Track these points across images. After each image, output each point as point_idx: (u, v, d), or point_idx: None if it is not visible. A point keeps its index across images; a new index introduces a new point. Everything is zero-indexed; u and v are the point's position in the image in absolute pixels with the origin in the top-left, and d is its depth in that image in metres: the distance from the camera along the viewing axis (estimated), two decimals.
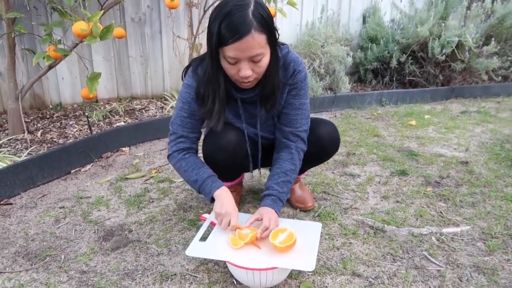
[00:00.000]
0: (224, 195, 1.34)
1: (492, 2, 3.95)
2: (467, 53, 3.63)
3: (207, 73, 1.30)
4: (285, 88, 1.42)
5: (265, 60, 1.23)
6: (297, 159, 1.45)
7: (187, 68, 1.42)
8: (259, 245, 1.26)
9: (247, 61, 1.19)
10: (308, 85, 1.48)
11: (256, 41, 1.15)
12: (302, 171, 1.70)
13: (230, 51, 1.16)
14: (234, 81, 1.31)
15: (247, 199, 1.79)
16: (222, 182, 1.40)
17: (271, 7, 2.80)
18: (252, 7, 1.15)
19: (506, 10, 3.77)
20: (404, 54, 3.78)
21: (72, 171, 2.11)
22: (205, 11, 3.03)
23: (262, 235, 1.25)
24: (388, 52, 3.86)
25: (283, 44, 1.39)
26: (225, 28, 1.14)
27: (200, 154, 1.51)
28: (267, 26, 1.18)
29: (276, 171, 1.43)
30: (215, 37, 1.16)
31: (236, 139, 1.45)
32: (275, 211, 1.33)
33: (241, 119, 1.47)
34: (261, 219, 1.30)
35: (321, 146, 1.55)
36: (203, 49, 3.22)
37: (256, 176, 2.02)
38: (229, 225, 1.28)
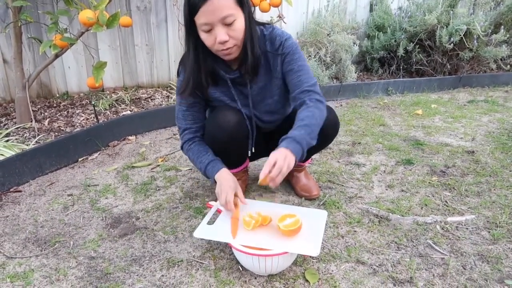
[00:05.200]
0: (222, 176, 1.39)
1: None
2: (475, 41, 3.58)
3: (189, 52, 1.36)
4: (276, 59, 1.43)
5: (239, 24, 1.26)
6: (313, 106, 1.38)
7: (179, 65, 1.50)
8: (267, 224, 1.29)
9: (220, 24, 1.23)
10: (304, 54, 1.48)
11: (223, 1, 1.20)
12: (306, 158, 1.70)
13: (201, 17, 1.22)
14: (217, 54, 1.33)
15: (253, 188, 1.80)
16: (223, 165, 1.45)
17: None
18: None
19: None
20: (411, 43, 3.74)
21: (80, 159, 2.13)
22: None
23: (272, 174, 1.20)
24: (395, 41, 3.82)
25: (266, 24, 1.45)
26: None
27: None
28: None
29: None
30: (186, 7, 1.25)
31: (235, 118, 1.47)
32: (290, 150, 1.25)
33: (236, 101, 1.49)
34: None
35: (320, 130, 1.54)
36: None
37: (262, 165, 2.03)
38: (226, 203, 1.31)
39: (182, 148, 1.56)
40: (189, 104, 1.49)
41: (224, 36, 1.24)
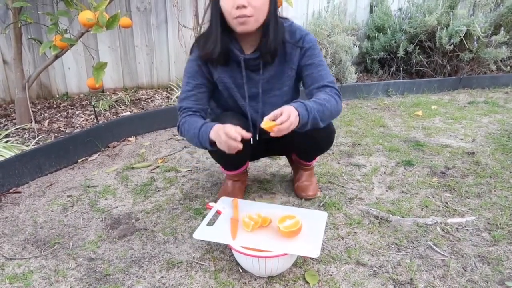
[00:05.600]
0: (216, 131, 1.29)
1: None
2: (475, 42, 3.58)
3: (210, 16, 1.36)
4: (295, 51, 1.44)
5: None
6: (332, 96, 1.38)
7: (193, 45, 1.48)
8: (267, 225, 1.28)
9: None
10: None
11: None
12: (310, 158, 1.71)
13: None
14: (231, 24, 1.31)
15: (252, 189, 1.80)
16: (212, 124, 1.35)
17: None
18: None
19: None
20: (412, 44, 3.74)
21: (79, 160, 2.13)
22: (210, 0, 3.01)
23: (276, 124, 1.19)
24: (395, 42, 3.82)
25: (285, 18, 1.45)
26: None
27: None
28: None
29: None
30: None
31: (240, 125, 1.44)
32: (298, 112, 1.24)
33: (243, 87, 1.47)
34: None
35: (315, 141, 1.56)
36: None
37: (262, 166, 2.03)
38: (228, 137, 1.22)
39: (178, 128, 1.45)
40: (196, 84, 1.46)
41: (244, 1, 1.24)
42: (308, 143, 1.57)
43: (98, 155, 2.20)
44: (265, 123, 1.21)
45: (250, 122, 1.52)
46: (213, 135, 1.30)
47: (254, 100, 1.50)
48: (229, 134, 1.22)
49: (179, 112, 1.47)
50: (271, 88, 1.49)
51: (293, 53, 1.44)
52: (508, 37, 3.67)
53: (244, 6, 1.25)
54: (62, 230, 1.50)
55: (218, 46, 1.36)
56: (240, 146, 1.23)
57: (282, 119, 1.20)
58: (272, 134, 1.22)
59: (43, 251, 1.37)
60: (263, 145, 1.63)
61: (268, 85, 1.48)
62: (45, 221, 1.57)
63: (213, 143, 1.32)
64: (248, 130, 1.45)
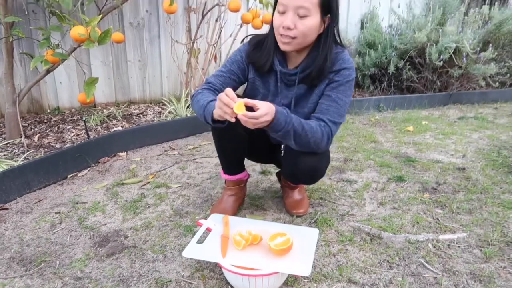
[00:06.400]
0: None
1: (490, 8, 3.97)
2: (464, 59, 3.64)
3: (270, 28, 1.45)
4: (326, 79, 1.44)
5: (310, 22, 1.32)
6: (320, 129, 1.37)
7: (250, 39, 1.55)
8: (258, 243, 1.27)
9: (292, 12, 1.30)
10: (352, 93, 1.48)
11: None
12: (297, 184, 1.73)
13: None
14: (277, 39, 1.38)
15: (244, 205, 1.78)
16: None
17: (269, 13, 2.81)
18: None
19: (503, 16, 3.79)
20: (402, 60, 3.79)
21: (69, 176, 2.10)
22: (203, 16, 3.04)
23: (244, 114, 1.19)
24: (386, 58, 3.87)
25: (343, 46, 1.48)
26: None
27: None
28: None
29: None
30: None
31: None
32: (276, 116, 1.25)
33: (274, 98, 1.51)
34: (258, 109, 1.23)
35: (297, 178, 1.59)
36: (202, 54, 3.23)
37: (254, 182, 2.01)
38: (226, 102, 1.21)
39: (193, 96, 1.48)
40: (230, 69, 1.51)
41: (291, 23, 1.31)
42: (293, 172, 1.57)
43: (88, 170, 2.18)
44: (238, 106, 1.19)
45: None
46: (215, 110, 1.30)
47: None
48: (221, 98, 1.22)
49: (203, 84, 1.51)
50: (297, 104, 1.51)
51: (324, 81, 1.45)
52: (496, 53, 3.74)
53: (289, 28, 1.32)
54: (49, 248, 1.47)
55: (270, 60, 1.46)
56: (230, 107, 1.20)
57: (254, 115, 1.20)
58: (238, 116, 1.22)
59: (29, 270, 1.34)
60: (267, 150, 1.67)
61: (296, 101, 1.51)
62: (32, 238, 1.54)
63: (215, 120, 1.32)
64: (267, 136, 1.48)
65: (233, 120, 1.21)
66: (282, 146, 1.72)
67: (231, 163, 1.67)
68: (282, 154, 1.56)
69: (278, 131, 1.29)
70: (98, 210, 1.75)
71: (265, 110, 1.21)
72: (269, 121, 1.24)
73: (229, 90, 1.21)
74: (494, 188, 1.94)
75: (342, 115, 1.43)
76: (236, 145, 1.58)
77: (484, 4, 4.37)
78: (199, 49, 3.18)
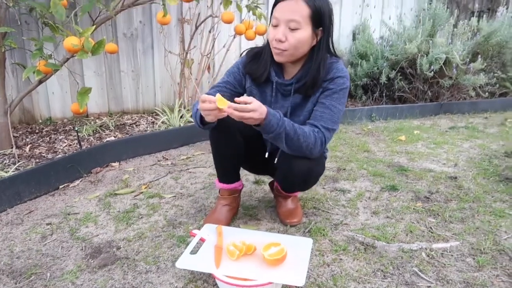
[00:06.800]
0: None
1: (478, 20, 4.05)
2: (454, 69, 3.70)
3: (267, 41, 1.49)
4: (319, 89, 1.48)
5: (300, 34, 1.36)
6: (314, 134, 1.40)
7: (248, 51, 1.60)
8: (252, 253, 1.26)
9: (284, 25, 1.36)
10: (345, 101, 1.51)
11: (299, 7, 1.33)
12: (291, 192, 1.72)
13: (276, 11, 1.38)
14: (272, 51, 1.44)
15: (238, 215, 1.78)
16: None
17: (261, 25, 2.84)
18: None
19: (491, 28, 3.87)
20: (393, 70, 3.84)
21: (61, 186, 2.08)
22: (196, 27, 3.06)
23: (238, 108, 1.22)
24: (378, 68, 3.92)
25: (337, 56, 1.51)
26: None
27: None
28: (315, 5, 1.35)
29: None
30: (274, 2, 1.40)
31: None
32: (266, 117, 1.28)
33: (273, 106, 1.52)
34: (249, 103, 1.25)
35: (290, 182, 1.60)
36: (195, 65, 3.24)
37: (247, 191, 2.01)
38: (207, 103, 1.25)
39: (193, 106, 1.53)
40: (227, 80, 1.57)
41: (282, 36, 1.36)
42: (286, 176, 1.58)
43: (80, 181, 2.16)
44: (220, 101, 1.22)
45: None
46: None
47: None
48: (202, 98, 1.27)
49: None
50: (293, 113, 1.54)
51: (319, 90, 1.48)
52: (485, 64, 3.80)
53: (281, 41, 1.37)
54: (39, 259, 1.45)
55: (267, 71, 1.50)
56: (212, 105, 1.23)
57: (242, 107, 1.22)
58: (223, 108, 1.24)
59: (19, 283, 1.32)
60: (262, 162, 1.67)
61: (292, 110, 1.54)
62: (22, 250, 1.51)
63: (205, 124, 1.40)
64: (264, 145, 1.62)
65: (221, 115, 1.25)
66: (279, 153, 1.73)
67: (227, 171, 1.67)
68: (276, 161, 1.57)
69: (270, 133, 1.32)
70: (90, 221, 1.73)
71: (254, 107, 1.24)
72: (257, 119, 1.26)
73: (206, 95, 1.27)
74: (486, 197, 1.96)
75: (336, 121, 1.45)
76: (233, 152, 1.59)
77: (473, 16, 4.46)
78: (193, 60, 3.19)
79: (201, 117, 1.37)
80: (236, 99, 1.24)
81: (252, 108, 1.23)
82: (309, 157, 1.44)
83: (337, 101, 1.45)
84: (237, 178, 1.70)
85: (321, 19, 1.37)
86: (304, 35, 1.37)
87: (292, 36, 1.36)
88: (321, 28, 1.40)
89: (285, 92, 1.52)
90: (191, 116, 1.55)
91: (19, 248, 1.53)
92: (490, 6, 5.00)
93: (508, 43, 3.91)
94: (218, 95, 1.22)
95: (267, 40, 1.47)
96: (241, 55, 1.62)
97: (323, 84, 1.46)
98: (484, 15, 4.37)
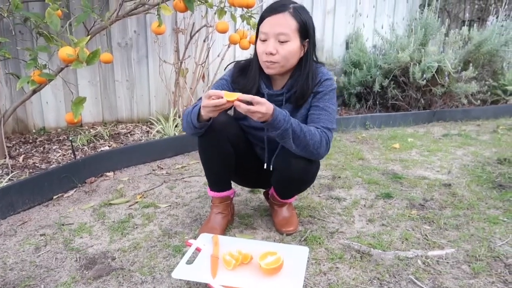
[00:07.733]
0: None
1: (469, 29, 4.11)
2: (446, 78, 3.74)
3: (254, 55, 1.55)
4: (309, 96, 1.53)
5: (290, 46, 1.42)
6: (319, 132, 1.43)
7: (234, 65, 1.64)
8: (248, 262, 1.26)
9: (273, 38, 1.41)
10: (336, 100, 1.56)
11: (287, 21, 1.40)
12: (287, 196, 1.72)
13: (263, 26, 1.43)
14: (262, 65, 1.49)
15: (233, 224, 1.77)
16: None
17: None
18: (295, 3, 1.45)
19: (482, 37, 3.93)
20: (387, 79, 3.87)
21: (55, 197, 2.06)
22: (191, 37, 3.08)
23: (244, 107, 1.25)
24: (371, 77, 3.95)
25: (321, 62, 1.59)
26: (266, 9, 1.45)
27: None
28: (301, 19, 1.42)
29: None
30: (259, 19, 1.47)
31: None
32: (273, 117, 1.32)
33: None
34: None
35: (290, 181, 1.59)
36: (190, 74, 3.25)
37: (243, 200, 2.01)
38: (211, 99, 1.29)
39: (184, 111, 1.59)
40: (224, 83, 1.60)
41: (273, 49, 1.42)
42: (282, 176, 1.59)
43: (74, 191, 2.15)
44: (228, 94, 1.26)
45: (266, 147, 1.60)
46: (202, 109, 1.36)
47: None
48: (208, 94, 1.30)
49: (189, 106, 1.55)
50: None
51: (310, 96, 1.53)
52: (477, 72, 3.85)
53: (271, 54, 1.42)
54: (33, 271, 1.43)
55: (256, 85, 1.54)
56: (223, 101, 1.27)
57: (251, 98, 1.26)
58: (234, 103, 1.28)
59: None
60: (258, 169, 1.68)
61: None
62: (16, 262, 1.49)
63: (201, 121, 1.41)
64: (255, 156, 1.67)
65: (227, 105, 1.28)
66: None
67: (217, 179, 1.67)
68: (272, 163, 1.59)
69: (277, 129, 1.34)
70: (84, 232, 1.72)
71: (262, 101, 1.27)
72: (264, 113, 1.28)
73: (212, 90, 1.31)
74: (480, 204, 1.97)
75: (333, 121, 1.50)
76: (223, 158, 1.59)
77: (464, 25, 4.53)
78: (187, 69, 3.20)
79: (198, 116, 1.39)
80: (245, 96, 1.27)
81: (259, 101, 1.27)
82: (313, 159, 1.48)
83: (330, 102, 1.52)
84: (228, 186, 1.70)
85: (307, 32, 1.46)
86: (293, 47, 1.44)
87: (282, 49, 1.42)
88: (307, 40, 1.47)
89: (277, 102, 1.53)
90: (176, 126, 1.59)
91: (13, 259, 1.51)
92: (480, 15, 5.09)
93: (499, 52, 3.97)
94: (225, 91, 1.27)
95: (255, 54, 1.52)
96: (225, 69, 1.67)
97: (313, 89, 1.52)
98: (475, 24, 4.43)
